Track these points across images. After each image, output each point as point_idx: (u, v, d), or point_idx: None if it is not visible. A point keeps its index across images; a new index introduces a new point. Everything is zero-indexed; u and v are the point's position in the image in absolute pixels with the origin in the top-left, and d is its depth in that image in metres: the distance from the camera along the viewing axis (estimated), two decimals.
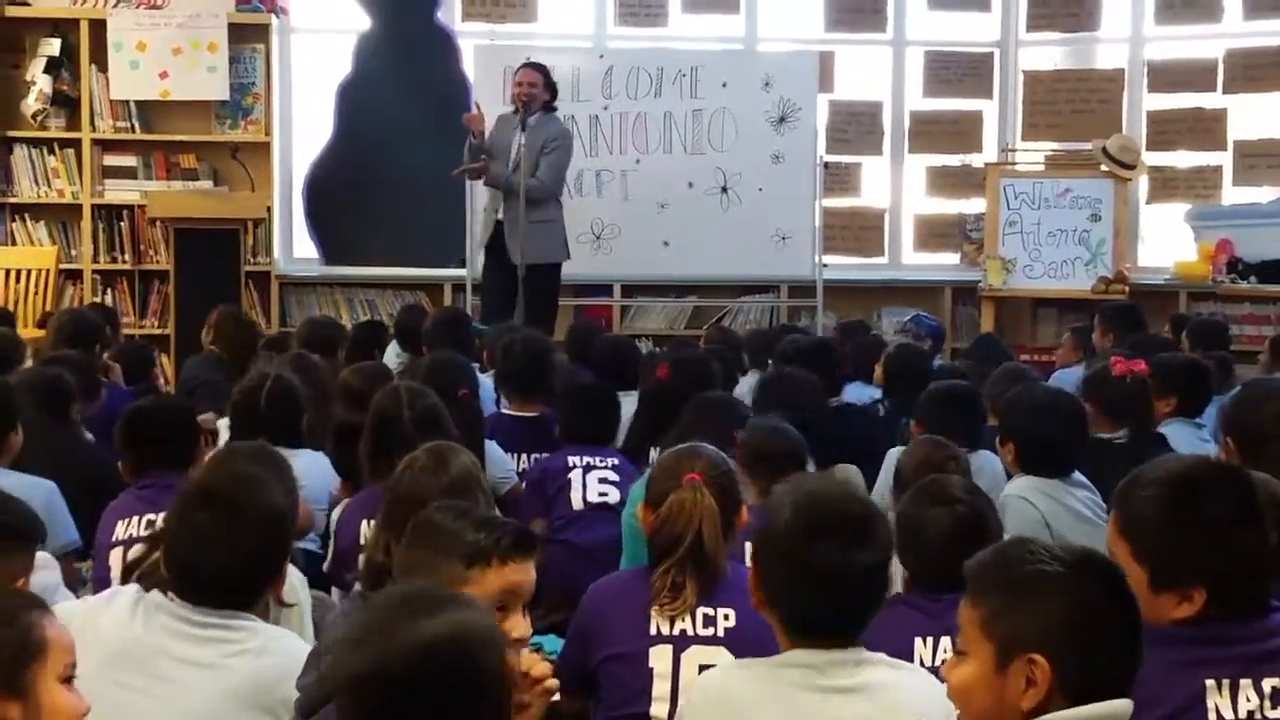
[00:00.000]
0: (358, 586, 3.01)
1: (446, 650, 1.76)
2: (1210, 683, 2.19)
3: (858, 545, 2.27)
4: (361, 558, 3.22)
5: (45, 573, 3.08)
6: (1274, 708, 2.19)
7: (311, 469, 4.15)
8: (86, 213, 8.48)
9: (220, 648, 2.52)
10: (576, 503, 4.21)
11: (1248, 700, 2.18)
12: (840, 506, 2.34)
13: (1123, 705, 1.89)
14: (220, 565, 2.55)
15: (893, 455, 4.18)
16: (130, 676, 2.51)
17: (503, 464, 4.47)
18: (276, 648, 2.57)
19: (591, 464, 4.26)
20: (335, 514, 3.96)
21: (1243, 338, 8.19)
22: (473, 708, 1.75)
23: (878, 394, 5.33)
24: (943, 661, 2.58)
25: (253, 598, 2.61)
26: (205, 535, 2.55)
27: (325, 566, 3.83)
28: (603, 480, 4.21)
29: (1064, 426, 3.87)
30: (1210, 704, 2.18)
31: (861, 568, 2.27)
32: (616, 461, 4.26)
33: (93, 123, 8.48)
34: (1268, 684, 2.19)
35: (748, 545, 2.97)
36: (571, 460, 4.27)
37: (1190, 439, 4.52)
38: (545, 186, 7.31)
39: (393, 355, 6.30)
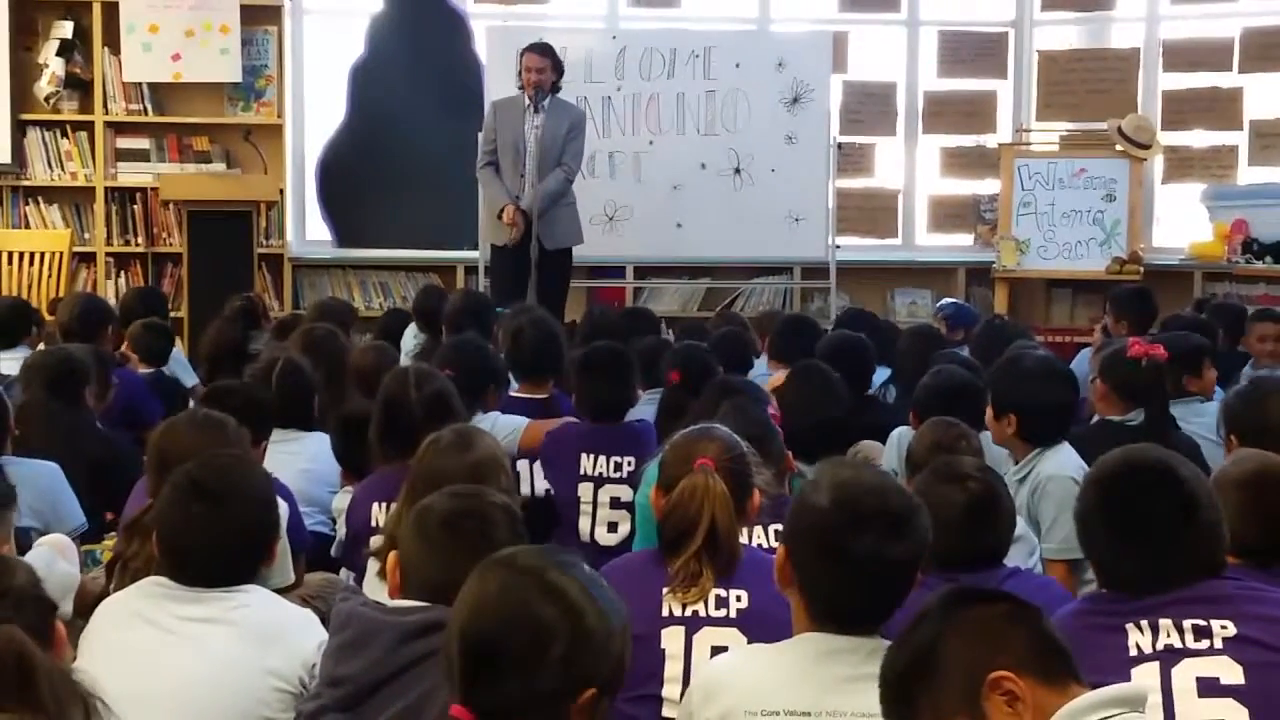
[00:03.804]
0: (374, 564, 3.02)
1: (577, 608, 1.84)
2: (1130, 625, 2.35)
3: (896, 537, 2.27)
4: (374, 539, 3.24)
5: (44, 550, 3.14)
6: (1196, 641, 2.31)
7: (322, 451, 4.16)
8: (100, 195, 8.49)
9: (219, 605, 2.62)
10: (584, 532, 4.15)
11: (1168, 636, 2.33)
12: (881, 497, 2.32)
13: (1139, 686, 1.88)
14: (213, 553, 2.64)
15: (896, 436, 4.17)
16: (141, 638, 2.60)
17: (507, 426, 4.37)
18: (275, 603, 2.70)
19: (604, 475, 4.15)
20: (338, 500, 3.96)
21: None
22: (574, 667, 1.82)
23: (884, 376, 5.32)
24: None
25: (246, 578, 2.68)
26: (197, 525, 2.64)
27: (334, 549, 3.84)
28: (615, 502, 4.11)
29: (1063, 390, 3.92)
30: (1131, 641, 2.33)
31: (898, 560, 2.27)
32: (634, 461, 4.07)
33: (105, 105, 8.48)
34: (1189, 623, 2.32)
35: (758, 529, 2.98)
36: (584, 464, 4.18)
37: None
38: (571, 174, 7.37)
39: (410, 337, 6.29)
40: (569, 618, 1.83)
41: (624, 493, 4.07)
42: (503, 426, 4.28)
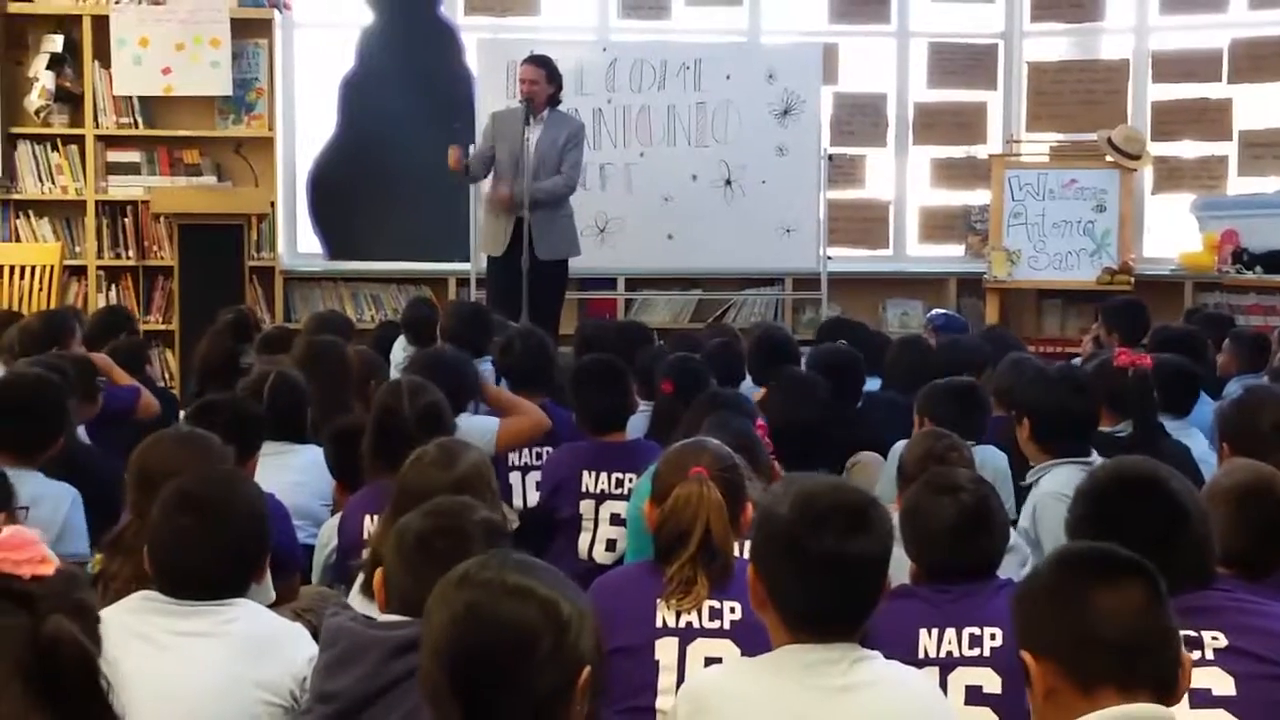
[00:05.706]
0: (360, 578, 3.01)
1: (550, 608, 1.81)
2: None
3: (855, 533, 2.26)
4: (366, 551, 3.23)
5: None
6: (1188, 651, 2.42)
7: (315, 465, 4.15)
8: (90, 209, 8.47)
9: (211, 619, 2.59)
10: (583, 549, 4.15)
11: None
12: (837, 496, 2.33)
13: (1159, 709, 1.90)
14: (204, 566, 2.62)
15: (898, 449, 4.18)
16: (130, 652, 2.54)
17: (479, 429, 4.35)
18: (266, 616, 2.69)
19: (606, 491, 4.14)
20: (325, 529, 3.94)
21: (1248, 328, 8.17)
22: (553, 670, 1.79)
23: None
24: (948, 654, 2.60)
25: (237, 592, 2.67)
26: (189, 539, 2.62)
27: (315, 578, 3.82)
28: (614, 519, 4.10)
29: (1079, 394, 3.93)
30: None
31: (859, 556, 2.26)
32: (635, 479, 4.03)
33: (96, 119, 8.47)
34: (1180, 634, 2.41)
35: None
36: (585, 483, 4.17)
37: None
38: (572, 182, 7.38)
39: (399, 349, 6.28)
40: (546, 613, 1.81)
41: (624, 509, 4.03)
42: (475, 429, 4.25)
